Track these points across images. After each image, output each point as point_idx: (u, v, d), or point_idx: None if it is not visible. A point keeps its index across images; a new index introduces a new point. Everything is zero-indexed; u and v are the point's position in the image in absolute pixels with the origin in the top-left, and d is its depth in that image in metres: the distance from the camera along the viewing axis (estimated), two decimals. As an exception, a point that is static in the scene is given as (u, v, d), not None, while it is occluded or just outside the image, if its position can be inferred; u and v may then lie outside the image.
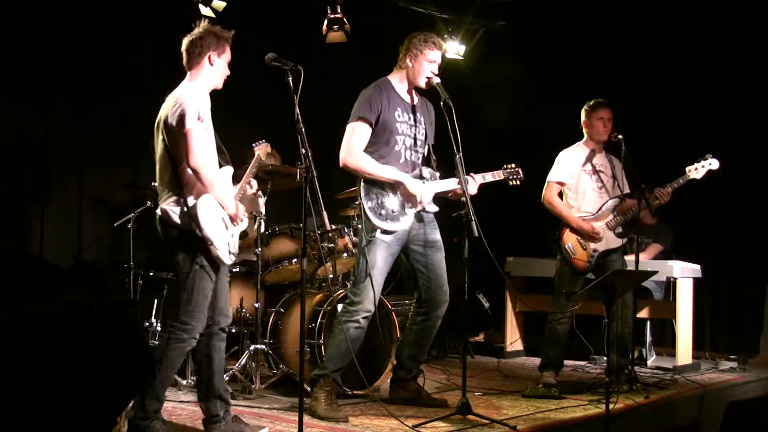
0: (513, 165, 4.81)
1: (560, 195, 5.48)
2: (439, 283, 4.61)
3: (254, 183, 4.25)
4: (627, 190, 5.44)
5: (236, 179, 4.16)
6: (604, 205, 5.39)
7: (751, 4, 6.84)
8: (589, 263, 5.33)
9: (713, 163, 5.24)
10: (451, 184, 4.60)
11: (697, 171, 5.25)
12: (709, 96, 7.18)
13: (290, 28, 6.56)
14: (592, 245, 5.33)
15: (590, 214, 5.38)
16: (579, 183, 5.41)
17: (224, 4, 5.73)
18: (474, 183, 4.63)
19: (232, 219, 3.87)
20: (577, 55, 7.71)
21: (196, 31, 3.85)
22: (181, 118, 3.65)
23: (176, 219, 3.72)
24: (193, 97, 3.73)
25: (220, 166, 3.96)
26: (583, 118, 5.50)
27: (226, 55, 3.90)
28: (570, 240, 5.35)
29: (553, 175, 5.45)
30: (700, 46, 7.17)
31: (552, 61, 7.90)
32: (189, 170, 3.69)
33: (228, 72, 3.93)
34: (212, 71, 3.86)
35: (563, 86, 7.54)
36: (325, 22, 6.31)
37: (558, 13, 7.55)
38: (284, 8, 6.60)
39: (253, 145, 4.60)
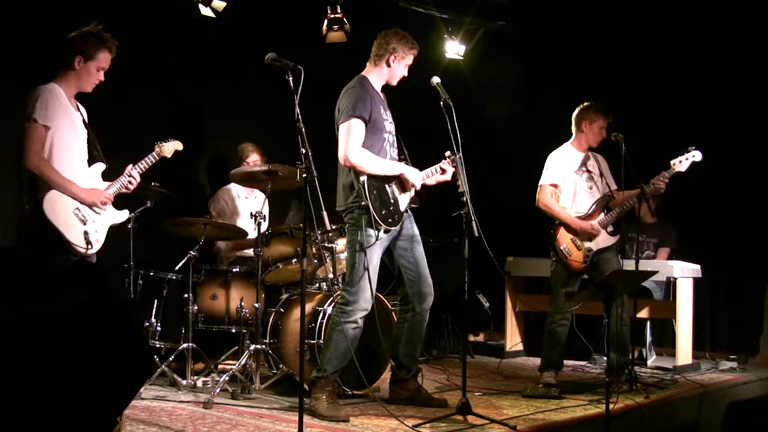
0: (448, 153, 4.61)
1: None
2: (424, 276, 4.65)
3: (136, 176, 4.20)
4: (614, 187, 5.46)
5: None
6: (594, 203, 5.40)
7: (748, 4, 6.83)
8: (584, 263, 5.34)
9: (696, 155, 5.26)
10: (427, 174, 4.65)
11: (681, 164, 5.26)
12: (709, 96, 7.17)
13: (290, 28, 6.55)
14: (587, 245, 5.33)
15: (583, 214, 5.39)
16: (570, 184, 5.43)
17: (224, 4, 5.73)
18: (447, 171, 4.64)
19: (91, 207, 3.81)
20: (577, 55, 7.71)
21: (80, 29, 3.73)
22: (28, 114, 3.58)
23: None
24: (46, 94, 3.61)
25: (94, 162, 3.89)
26: (577, 119, 5.49)
27: (97, 62, 3.75)
28: (565, 241, 5.34)
29: (545, 179, 5.47)
30: (699, 43, 7.17)
31: (551, 61, 7.89)
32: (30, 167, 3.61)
33: (101, 78, 3.75)
34: (75, 75, 3.74)
35: (563, 86, 7.53)
36: (325, 22, 6.31)
37: (558, 12, 7.55)
38: (284, 8, 6.59)
39: (160, 141, 4.57)
